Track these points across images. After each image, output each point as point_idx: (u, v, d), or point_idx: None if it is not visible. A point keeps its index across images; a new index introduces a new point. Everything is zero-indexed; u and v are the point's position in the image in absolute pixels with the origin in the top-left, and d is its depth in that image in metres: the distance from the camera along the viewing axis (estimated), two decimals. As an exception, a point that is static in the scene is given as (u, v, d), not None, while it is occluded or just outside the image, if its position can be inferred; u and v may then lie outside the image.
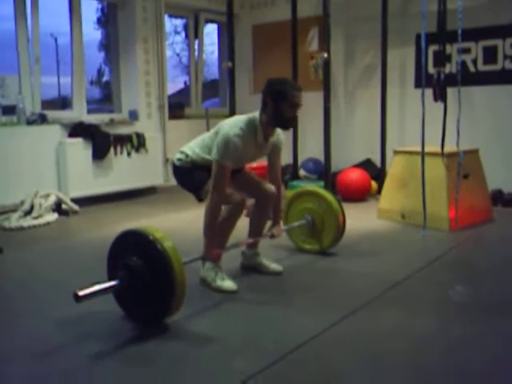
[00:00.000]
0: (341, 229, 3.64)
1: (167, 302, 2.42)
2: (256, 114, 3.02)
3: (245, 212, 4.54)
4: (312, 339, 2.39)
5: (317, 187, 3.99)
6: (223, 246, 3.09)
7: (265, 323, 2.62)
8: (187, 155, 3.14)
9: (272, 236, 3.34)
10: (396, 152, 4.85)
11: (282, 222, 3.59)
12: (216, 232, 2.97)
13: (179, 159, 3.18)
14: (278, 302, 2.91)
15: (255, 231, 3.34)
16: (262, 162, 3.55)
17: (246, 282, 3.19)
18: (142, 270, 2.44)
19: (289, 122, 2.99)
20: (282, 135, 3.22)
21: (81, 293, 2.30)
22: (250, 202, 3.29)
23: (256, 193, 3.26)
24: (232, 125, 2.93)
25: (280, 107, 2.92)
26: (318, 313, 2.73)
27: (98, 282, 2.43)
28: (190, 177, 3.13)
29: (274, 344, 2.36)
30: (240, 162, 3.06)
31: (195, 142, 3.20)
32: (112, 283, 2.47)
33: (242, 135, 2.90)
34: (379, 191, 5.46)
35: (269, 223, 3.41)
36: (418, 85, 5.84)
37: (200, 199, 3.12)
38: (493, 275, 3.35)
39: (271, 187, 3.24)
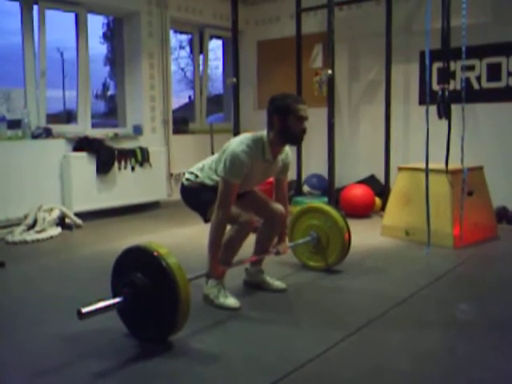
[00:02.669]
0: (346, 246, 3.62)
1: (172, 319, 2.41)
2: (264, 132, 3.01)
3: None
4: (316, 358, 2.37)
5: (322, 204, 3.98)
6: (229, 263, 3.08)
7: (268, 341, 2.59)
8: (197, 176, 3.14)
9: (277, 253, 3.32)
10: (400, 168, 4.84)
11: (287, 239, 3.58)
12: (220, 249, 2.95)
13: (188, 179, 3.17)
14: (281, 319, 2.89)
15: (261, 250, 3.32)
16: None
17: (250, 299, 3.18)
18: (146, 286, 2.43)
19: (298, 136, 2.98)
20: (290, 154, 3.22)
21: (84, 310, 2.29)
22: (258, 219, 3.26)
23: (264, 213, 3.24)
24: (239, 142, 2.93)
25: (287, 123, 2.92)
26: (322, 331, 2.71)
27: (102, 299, 2.42)
28: (198, 197, 3.12)
29: (277, 362, 2.34)
30: (248, 182, 3.03)
31: (204, 163, 3.18)
32: (116, 300, 2.46)
33: (249, 152, 2.89)
34: (383, 208, 5.45)
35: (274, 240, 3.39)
36: (422, 101, 5.86)
37: (206, 220, 3.10)
38: (497, 293, 3.32)
39: (279, 207, 3.22)
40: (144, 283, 2.43)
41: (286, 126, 2.92)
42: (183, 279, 2.41)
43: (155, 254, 2.44)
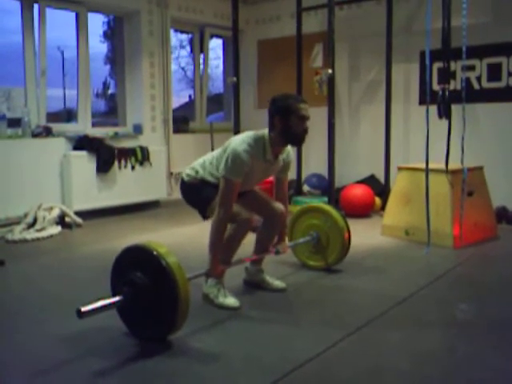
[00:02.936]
0: (346, 246, 3.63)
1: (171, 318, 2.41)
2: (266, 130, 3.01)
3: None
4: (315, 357, 2.37)
5: (322, 204, 3.98)
6: (228, 262, 3.08)
7: (268, 340, 2.59)
8: (197, 171, 3.13)
9: (277, 252, 3.33)
10: (400, 168, 4.84)
11: (286, 239, 3.58)
12: (221, 248, 2.95)
13: (188, 175, 3.16)
14: (281, 319, 2.89)
15: (261, 249, 3.32)
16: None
17: (249, 298, 3.18)
18: (145, 285, 2.43)
19: (299, 136, 2.97)
20: (291, 153, 3.21)
21: (84, 309, 2.29)
22: (258, 218, 3.26)
23: (264, 212, 3.24)
24: (241, 141, 2.92)
25: (289, 123, 2.91)
26: (322, 330, 2.71)
27: (102, 298, 2.42)
28: (198, 193, 3.12)
29: (277, 361, 2.34)
30: (248, 181, 3.02)
31: (205, 159, 3.17)
32: (115, 299, 2.46)
33: (250, 151, 2.89)
34: (383, 207, 5.45)
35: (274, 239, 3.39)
36: (422, 101, 5.86)
37: (205, 217, 3.10)
38: (497, 293, 3.32)
39: (280, 206, 3.22)
40: (143, 282, 2.44)
41: (288, 126, 2.92)
42: (183, 278, 2.41)
43: (155, 253, 2.44)
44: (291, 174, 6.27)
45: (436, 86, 5.14)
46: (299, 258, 3.85)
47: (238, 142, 2.92)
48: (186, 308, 2.42)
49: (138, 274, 2.46)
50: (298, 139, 3.00)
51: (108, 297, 2.49)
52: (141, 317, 2.50)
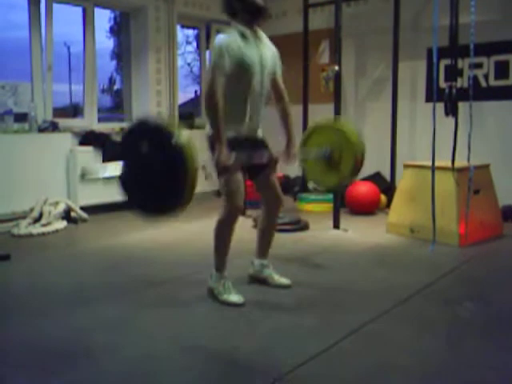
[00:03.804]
0: (359, 161, 3.46)
1: (177, 191, 2.36)
2: (232, 25, 3.08)
3: (252, 224, 4.55)
4: (318, 355, 2.37)
5: (335, 121, 3.89)
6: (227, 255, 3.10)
7: (271, 338, 2.59)
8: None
9: (287, 159, 3.30)
10: (406, 166, 4.82)
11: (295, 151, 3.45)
12: (222, 122, 3.14)
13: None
14: (284, 316, 2.88)
15: (263, 239, 3.34)
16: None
17: (254, 295, 3.16)
18: (153, 155, 2.38)
19: (261, 7, 3.07)
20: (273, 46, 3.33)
21: (88, 176, 2.27)
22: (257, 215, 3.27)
23: (267, 194, 3.26)
24: (217, 37, 3.00)
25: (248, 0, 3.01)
26: (325, 328, 2.70)
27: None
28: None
29: (278, 360, 2.33)
30: (247, 69, 3.02)
31: None
32: (120, 165, 2.42)
33: (229, 38, 2.96)
34: (388, 205, 5.44)
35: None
36: (429, 99, 5.83)
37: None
38: (502, 291, 3.31)
39: (282, 198, 3.25)
40: (151, 152, 2.40)
41: (249, 2, 3.02)
42: (191, 152, 2.38)
43: (166, 127, 2.42)
44: (297, 171, 6.27)
45: (443, 84, 5.13)
46: (312, 178, 3.76)
47: (216, 39, 2.98)
48: (193, 183, 2.36)
49: (145, 144, 2.41)
50: (263, 10, 3.10)
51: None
52: (144, 190, 2.44)
